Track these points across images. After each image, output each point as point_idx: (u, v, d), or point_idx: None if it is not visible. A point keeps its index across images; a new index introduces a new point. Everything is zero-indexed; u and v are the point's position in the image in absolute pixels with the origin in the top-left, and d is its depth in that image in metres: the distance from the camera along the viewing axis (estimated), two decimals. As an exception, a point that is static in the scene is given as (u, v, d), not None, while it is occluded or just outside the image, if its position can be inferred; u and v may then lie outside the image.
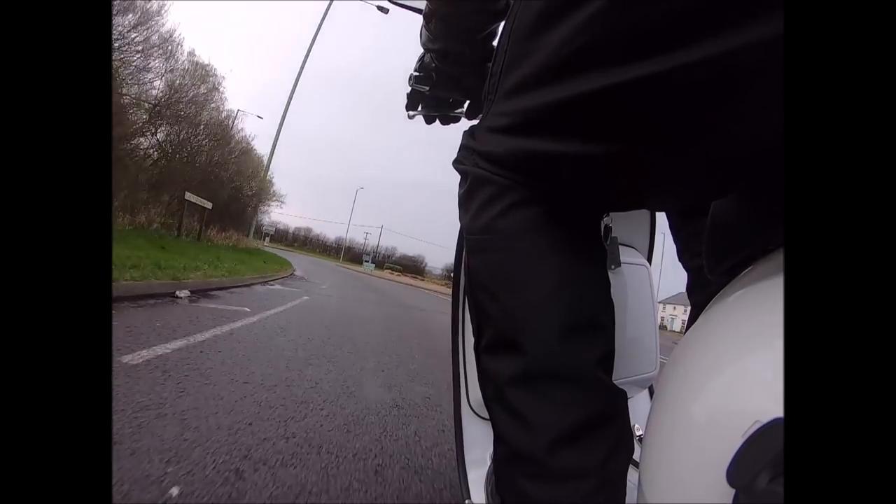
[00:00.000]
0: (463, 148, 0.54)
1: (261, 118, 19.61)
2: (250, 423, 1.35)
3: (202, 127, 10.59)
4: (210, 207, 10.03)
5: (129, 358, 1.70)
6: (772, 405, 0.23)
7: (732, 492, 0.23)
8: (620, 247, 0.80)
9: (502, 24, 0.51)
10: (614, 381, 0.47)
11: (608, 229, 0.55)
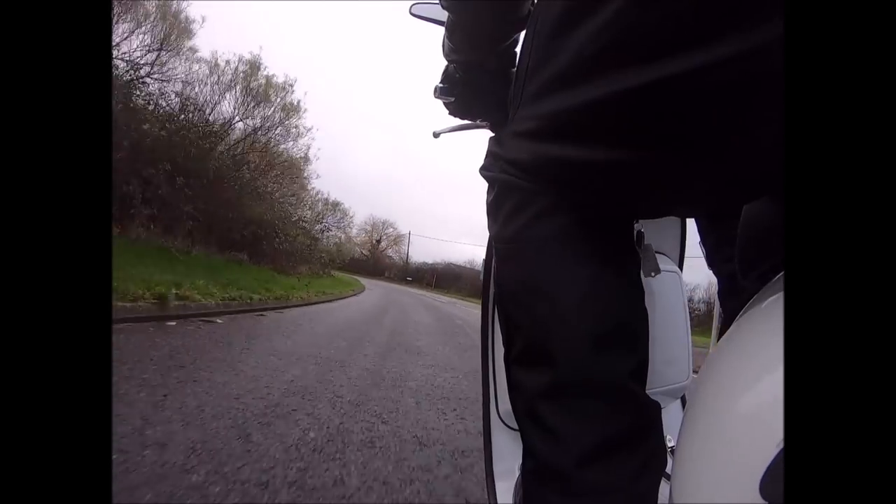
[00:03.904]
0: (489, 155, 0.52)
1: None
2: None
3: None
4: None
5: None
6: None
7: None
8: None
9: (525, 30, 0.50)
10: (647, 392, 0.46)
11: (641, 235, 0.54)
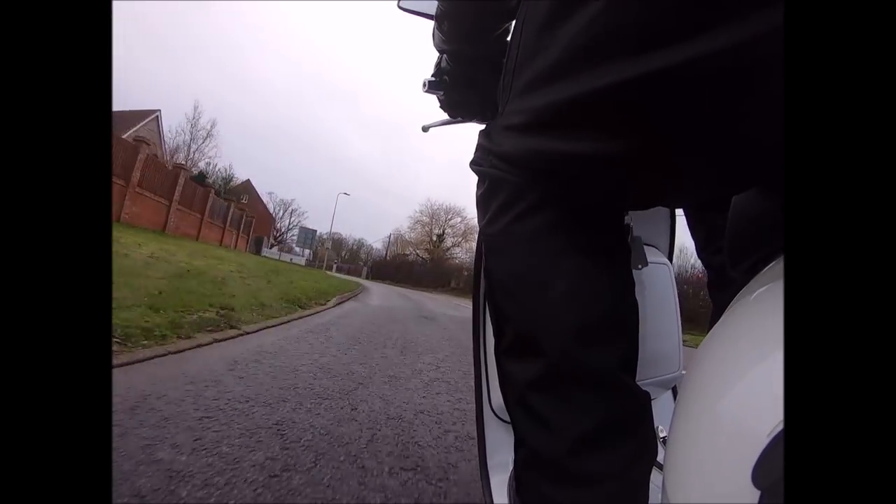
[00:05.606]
0: (479, 148, 0.53)
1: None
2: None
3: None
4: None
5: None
6: None
7: (758, 493, 0.23)
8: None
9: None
10: (638, 383, 0.47)
11: (628, 228, 0.54)
